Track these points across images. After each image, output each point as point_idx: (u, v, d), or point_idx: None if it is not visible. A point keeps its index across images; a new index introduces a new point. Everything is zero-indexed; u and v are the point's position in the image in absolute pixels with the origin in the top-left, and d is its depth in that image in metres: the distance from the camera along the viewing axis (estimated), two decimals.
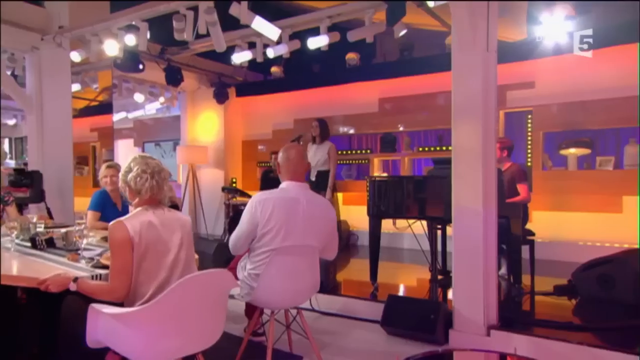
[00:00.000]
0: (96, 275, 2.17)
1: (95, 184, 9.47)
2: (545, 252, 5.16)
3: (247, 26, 5.63)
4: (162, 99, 8.24)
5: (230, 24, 4.99)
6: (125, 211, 3.96)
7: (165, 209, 2.14)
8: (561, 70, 5.82)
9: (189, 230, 2.17)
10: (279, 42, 5.67)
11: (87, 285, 2.03)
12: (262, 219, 2.55)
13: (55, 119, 5.94)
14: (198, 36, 4.86)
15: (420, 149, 7.07)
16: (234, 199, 7.01)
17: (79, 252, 2.58)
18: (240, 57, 5.88)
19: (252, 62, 6.19)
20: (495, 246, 3.26)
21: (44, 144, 5.98)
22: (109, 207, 3.77)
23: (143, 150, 10.10)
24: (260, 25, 4.43)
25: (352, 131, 7.76)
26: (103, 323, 1.96)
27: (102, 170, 3.86)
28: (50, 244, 2.89)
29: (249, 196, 6.97)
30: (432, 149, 7.01)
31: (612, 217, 5.60)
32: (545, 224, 5.67)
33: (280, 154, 2.68)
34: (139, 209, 2.10)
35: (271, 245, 2.56)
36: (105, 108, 8.14)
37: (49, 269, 2.27)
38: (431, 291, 4.65)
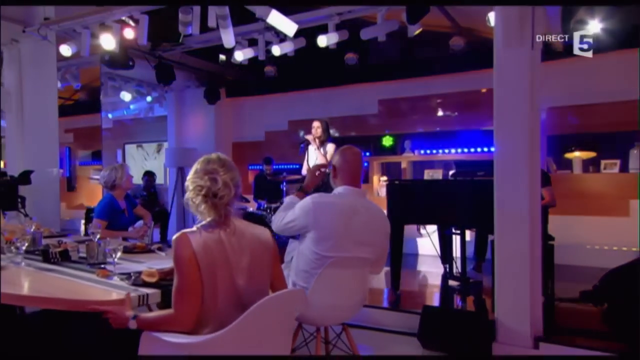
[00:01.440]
0: (143, 296, 1.86)
1: (71, 189, 8.91)
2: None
3: (247, 23, 5.38)
4: (149, 98, 7.80)
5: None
6: (131, 217, 3.61)
7: (236, 222, 1.75)
8: (566, 74, 5.80)
9: (264, 247, 1.77)
10: (282, 40, 5.43)
11: (146, 320, 1.68)
12: (315, 223, 2.32)
13: (38, 118, 5.50)
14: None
15: (422, 151, 6.94)
16: None
17: (106, 267, 2.26)
18: (242, 54, 5.59)
19: (244, 62, 5.92)
20: (540, 253, 3.12)
21: (24, 145, 5.53)
22: (118, 215, 3.41)
23: (123, 153, 9.58)
24: (276, 19, 4.16)
25: (350, 133, 7.56)
26: (161, 353, 1.67)
27: (120, 170, 3.40)
28: (64, 257, 2.55)
29: (247, 200, 6.67)
30: (433, 151, 6.89)
31: (619, 221, 5.60)
32: (551, 227, 5.61)
33: (336, 157, 2.46)
34: (204, 222, 1.73)
35: (324, 256, 2.32)
36: (82, 107, 7.65)
37: (86, 289, 1.95)
38: (443, 296, 4.51)
